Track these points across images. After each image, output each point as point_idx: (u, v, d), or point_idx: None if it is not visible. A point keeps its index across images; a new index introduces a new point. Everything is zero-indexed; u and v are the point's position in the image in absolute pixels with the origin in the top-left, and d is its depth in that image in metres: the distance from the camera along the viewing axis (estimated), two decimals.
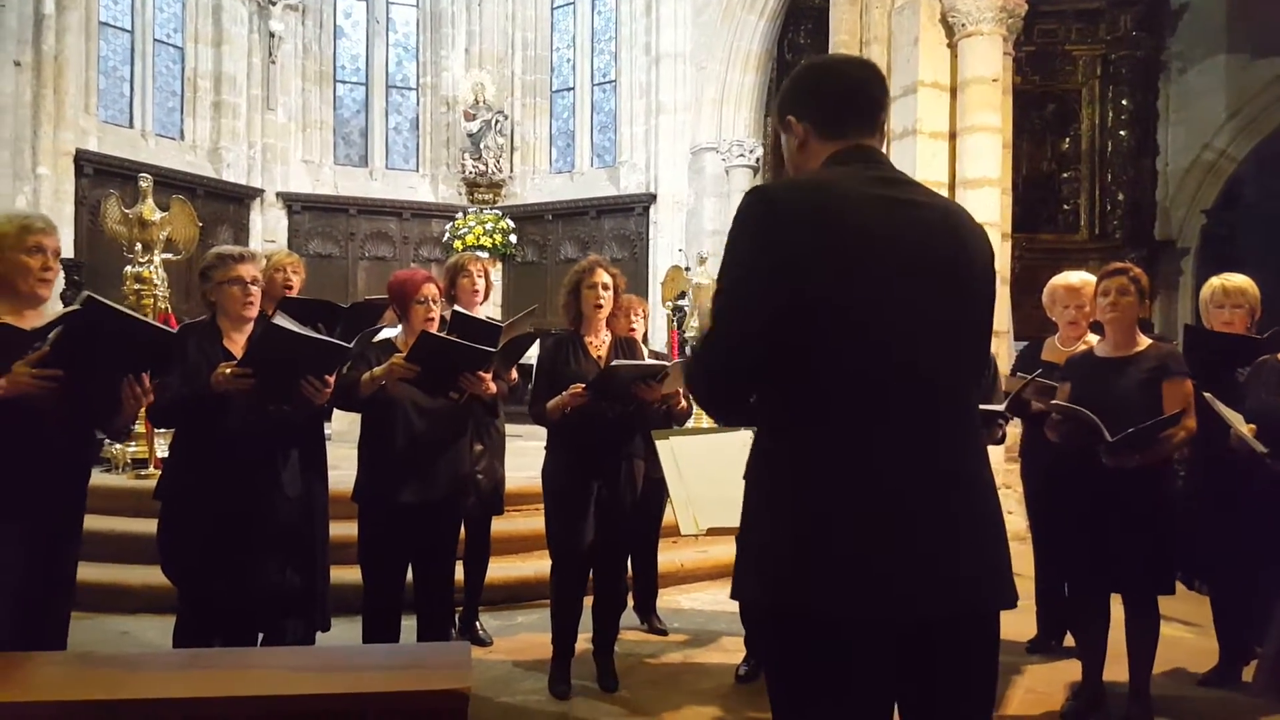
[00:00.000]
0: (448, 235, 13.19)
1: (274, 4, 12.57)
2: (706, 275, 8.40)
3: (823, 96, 1.77)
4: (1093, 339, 4.07)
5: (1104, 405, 3.15)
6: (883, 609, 1.49)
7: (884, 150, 1.79)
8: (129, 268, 6.28)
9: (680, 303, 9.36)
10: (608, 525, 3.77)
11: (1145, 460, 3.21)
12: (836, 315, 1.54)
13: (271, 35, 12.57)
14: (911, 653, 1.55)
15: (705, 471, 2.85)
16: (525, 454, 4.83)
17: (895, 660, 1.54)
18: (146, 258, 6.27)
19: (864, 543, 1.50)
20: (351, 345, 3.42)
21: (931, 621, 1.53)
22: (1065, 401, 3.40)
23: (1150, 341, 3.49)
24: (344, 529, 3.75)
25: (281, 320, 3.00)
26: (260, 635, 3.21)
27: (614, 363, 3.64)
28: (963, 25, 7.09)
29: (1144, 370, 3.34)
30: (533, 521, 4.88)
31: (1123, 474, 3.20)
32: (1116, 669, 3.50)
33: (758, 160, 11.39)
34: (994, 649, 1.64)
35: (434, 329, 3.60)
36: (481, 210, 13.28)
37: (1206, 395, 3.41)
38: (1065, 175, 10.71)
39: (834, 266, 1.54)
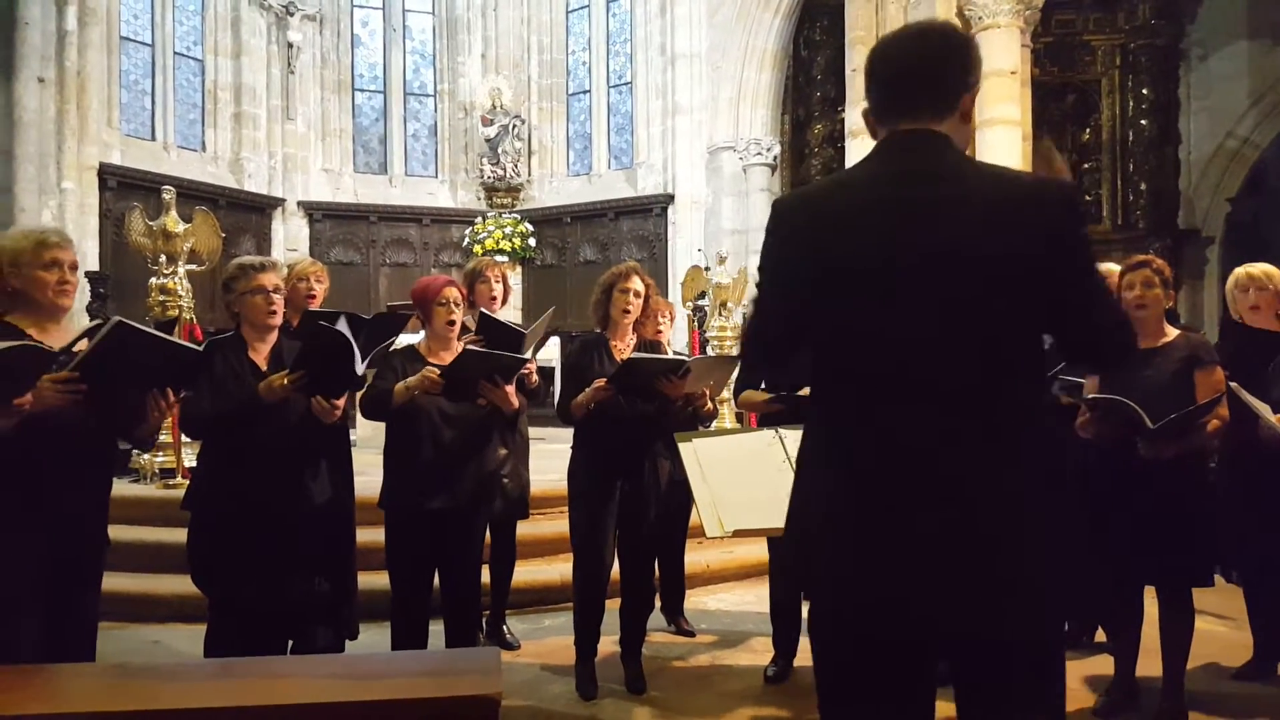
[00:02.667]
0: (467, 240, 13.25)
1: (292, 15, 12.67)
2: (726, 275, 8.40)
3: (874, 81, 1.69)
4: None
5: (1134, 397, 3.12)
6: (863, 617, 1.52)
7: (960, 126, 1.63)
8: (154, 279, 6.35)
9: (700, 302, 9.36)
10: (632, 526, 3.78)
11: (1181, 450, 3.18)
12: (823, 326, 1.60)
13: (290, 46, 12.67)
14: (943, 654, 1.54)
15: (729, 473, 2.84)
16: (549, 457, 4.84)
17: (919, 658, 1.54)
18: (171, 269, 6.34)
19: (839, 545, 1.53)
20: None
21: (949, 636, 1.52)
22: (1094, 394, 3.36)
23: (1179, 331, 3.46)
24: (370, 535, 3.77)
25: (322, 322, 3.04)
26: (290, 643, 3.24)
27: (634, 355, 3.66)
28: (979, 18, 7.05)
29: (1175, 360, 3.31)
30: (558, 525, 4.89)
31: (1158, 465, 3.16)
32: (1148, 664, 3.46)
33: (775, 158, 11.37)
34: (1025, 662, 1.53)
35: (455, 332, 3.64)
36: (500, 214, 13.34)
37: (1233, 385, 3.37)
38: (1086, 166, 10.62)
39: (817, 279, 1.59)
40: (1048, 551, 1.48)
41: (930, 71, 1.62)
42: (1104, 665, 3.71)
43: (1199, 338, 3.51)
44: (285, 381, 2.97)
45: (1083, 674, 3.87)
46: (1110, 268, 4.15)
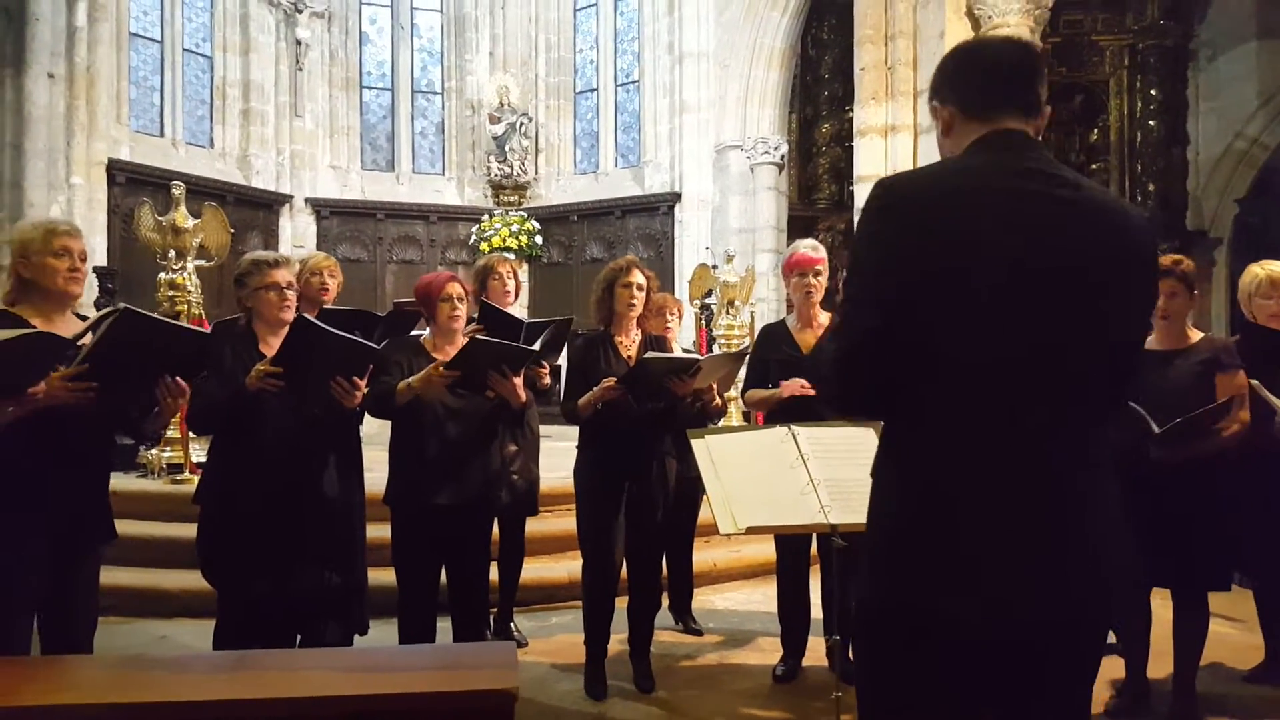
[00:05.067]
0: (474, 238, 13.25)
1: (300, 12, 12.67)
2: (734, 273, 8.39)
3: (968, 76, 1.67)
4: None
5: (1154, 399, 3.09)
6: (967, 612, 1.46)
7: (1035, 135, 1.65)
8: (163, 274, 6.36)
9: (708, 301, 9.35)
10: (639, 524, 3.77)
11: (1195, 453, 3.16)
12: (933, 315, 1.49)
13: (298, 43, 12.67)
14: (1001, 660, 1.52)
15: (743, 470, 2.83)
16: (558, 454, 4.83)
17: (986, 667, 1.51)
18: (180, 264, 6.35)
19: (950, 544, 1.48)
20: (380, 348, 3.43)
21: (1025, 629, 1.49)
22: None
23: (1202, 335, 3.43)
24: (377, 531, 3.77)
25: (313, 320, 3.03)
26: (298, 638, 3.24)
27: (646, 355, 3.64)
28: (989, 18, 7.03)
29: (1195, 363, 3.29)
30: (566, 522, 4.87)
31: (1173, 467, 3.14)
32: (1157, 665, 3.45)
33: (783, 157, 11.36)
34: (1085, 662, 1.59)
35: (459, 326, 3.63)
36: (507, 212, 13.33)
37: (1253, 383, 3.34)
38: (1094, 167, 10.57)
39: (933, 265, 1.49)
40: (1115, 539, 1.56)
41: (1033, 76, 1.66)
42: (1114, 666, 3.69)
43: (1222, 341, 3.49)
44: (261, 369, 2.96)
45: None
46: None
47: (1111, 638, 4.12)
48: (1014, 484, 1.48)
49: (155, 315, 2.69)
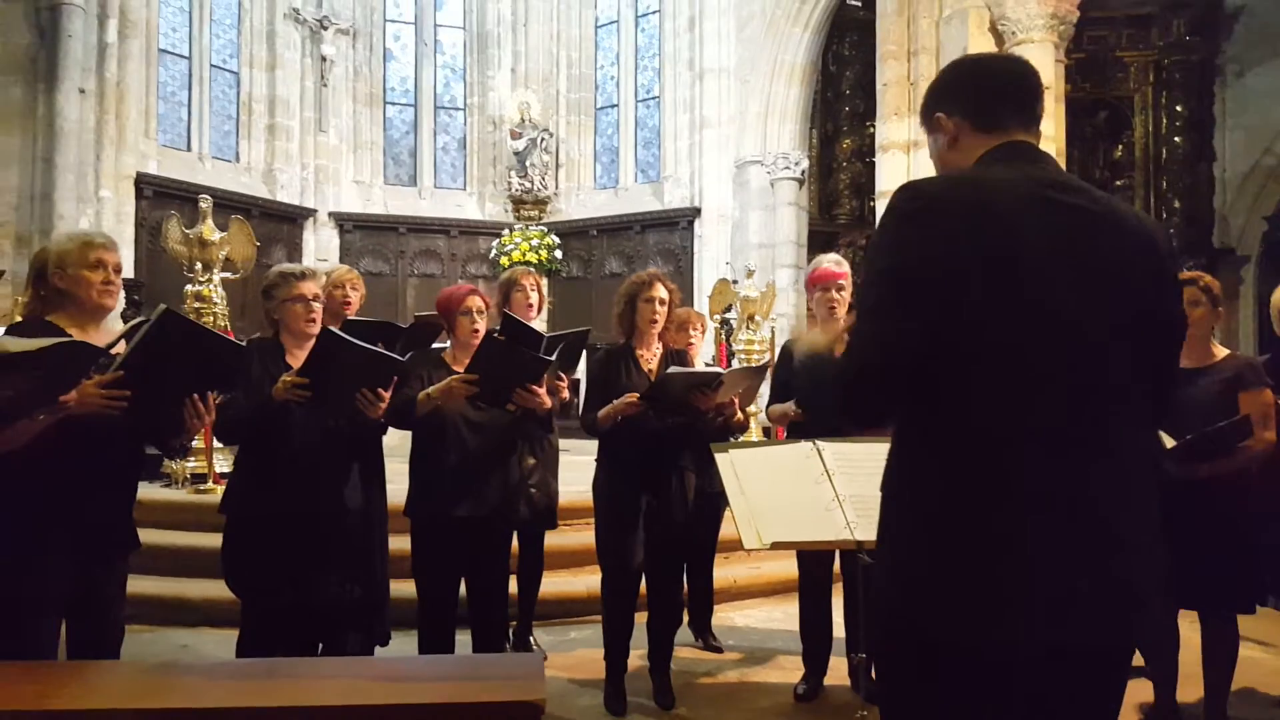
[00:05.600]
0: (494, 252, 13.32)
1: (326, 29, 12.83)
2: (754, 288, 8.38)
3: (978, 89, 1.66)
4: None
5: (1177, 416, 3.06)
6: (1014, 635, 1.42)
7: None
8: (189, 286, 6.42)
9: (728, 315, 9.34)
10: (659, 539, 3.76)
11: (1216, 471, 3.12)
12: (983, 323, 1.43)
13: (323, 59, 12.83)
14: (1032, 685, 1.48)
15: (767, 485, 2.82)
16: (576, 468, 4.83)
17: (1016, 692, 1.48)
18: (206, 277, 6.41)
19: (1002, 566, 1.42)
20: (405, 359, 3.45)
21: (1060, 651, 1.45)
22: None
23: (1227, 352, 3.40)
24: (398, 542, 3.78)
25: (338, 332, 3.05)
26: (320, 647, 3.24)
27: (669, 370, 3.63)
28: (1013, 34, 7.02)
29: (1219, 381, 3.25)
30: (585, 536, 4.87)
31: (1201, 486, 3.10)
32: (1187, 690, 3.40)
33: (803, 172, 11.36)
34: (1116, 684, 1.58)
35: (479, 340, 3.63)
36: (527, 227, 13.40)
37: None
38: (1119, 183, 10.51)
39: (985, 272, 1.43)
40: (1153, 561, 1.53)
41: (1038, 90, 1.68)
42: (1141, 690, 3.64)
43: (1248, 358, 3.45)
44: (287, 380, 2.98)
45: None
46: None
47: (1139, 660, 4.09)
48: (1056, 505, 1.43)
49: (197, 322, 2.71)
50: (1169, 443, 3.09)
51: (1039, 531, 1.43)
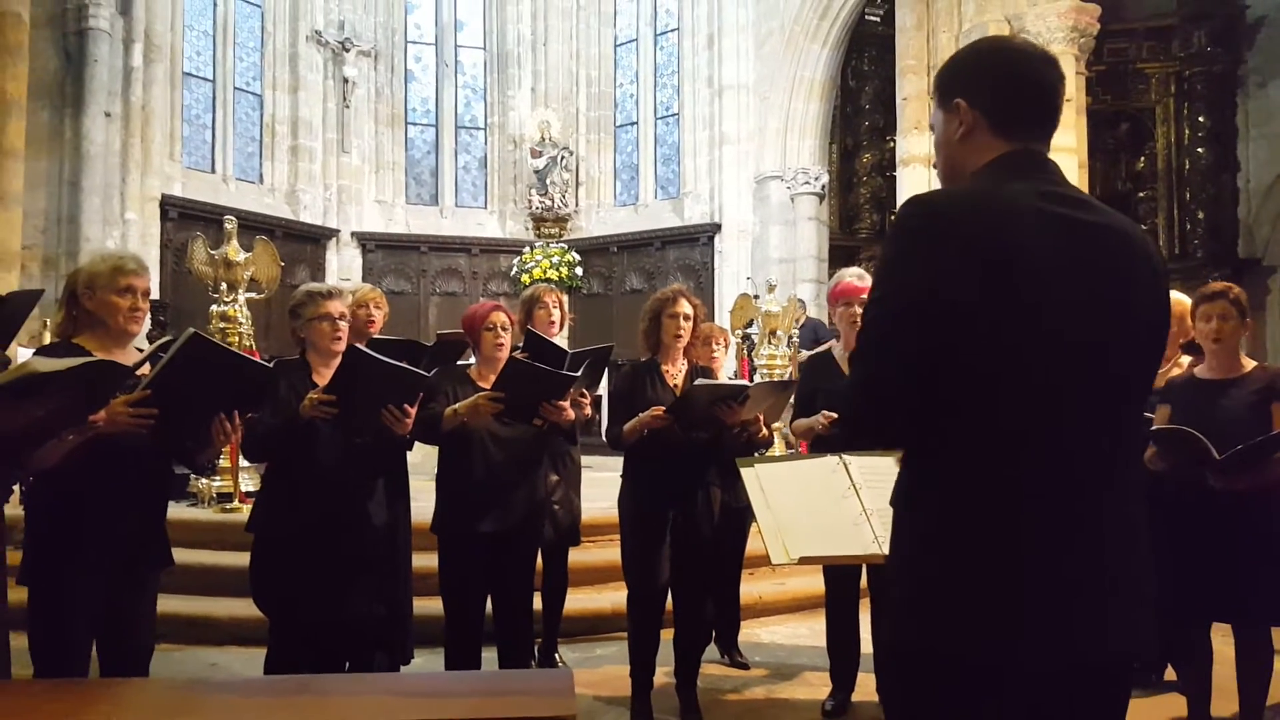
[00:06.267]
0: (515, 269, 13.38)
1: (348, 50, 12.97)
2: (776, 303, 8.37)
3: (1005, 89, 1.56)
4: (1184, 360, 3.95)
5: (1208, 429, 3.03)
6: (1041, 657, 1.41)
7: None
8: (215, 306, 6.49)
9: (749, 331, 9.32)
10: (684, 555, 3.74)
11: (1256, 483, 3.08)
12: (996, 346, 1.40)
13: (345, 81, 12.97)
14: (1045, 701, 1.46)
15: (793, 499, 2.80)
16: (599, 485, 4.83)
17: (1028, 709, 1.45)
18: (231, 297, 6.47)
19: (1021, 587, 1.40)
20: (430, 376, 3.47)
21: (1075, 669, 1.44)
22: (1160, 426, 3.28)
23: (1255, 363, 3.36)
24: (422, 560, 3.78)
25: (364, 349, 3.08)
26: (346, 665, 3.25)
27: (695, 383, 3.64)
28: None
29: (1250, 393, 3.22)
30: (609, 553, 4.86)
31: (1237, 499, 3.07)
32: (1220, 705, 3.34)
33: (823, 187, 11.37)
34: (1123, 695, 1.54)
35: (504, 355, 3.65)
36: (548, 244, 13.45)
37: None
38: (1141, 195, 10.47)
39: (997, 296, 1.39)
40: (1148, 574, 1.52)
41: (1058, 98, 1.59)
42: (1173, 704, 3.60)
43: (1277, 369, 3.41)
44: (314, 398, 3.00)
45: (1152, 714, 3.75)
46: (1179, 298, 4.08)
47: (1170, 674, 4.03)
48: (1068, 521, 1.42)
49: (224, 345, 2.73)
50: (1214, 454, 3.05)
51: (1049, 546, 1.41)
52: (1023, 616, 1.40)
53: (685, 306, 3.79)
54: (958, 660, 1.42)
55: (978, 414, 1.43)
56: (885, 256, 1.53)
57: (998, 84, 1.57)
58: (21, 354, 3.14)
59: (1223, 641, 3.39)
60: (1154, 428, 3.28)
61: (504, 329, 3.67)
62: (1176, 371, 3.85)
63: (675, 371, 3.85)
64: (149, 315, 7.32)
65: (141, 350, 2.86)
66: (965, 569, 1.43)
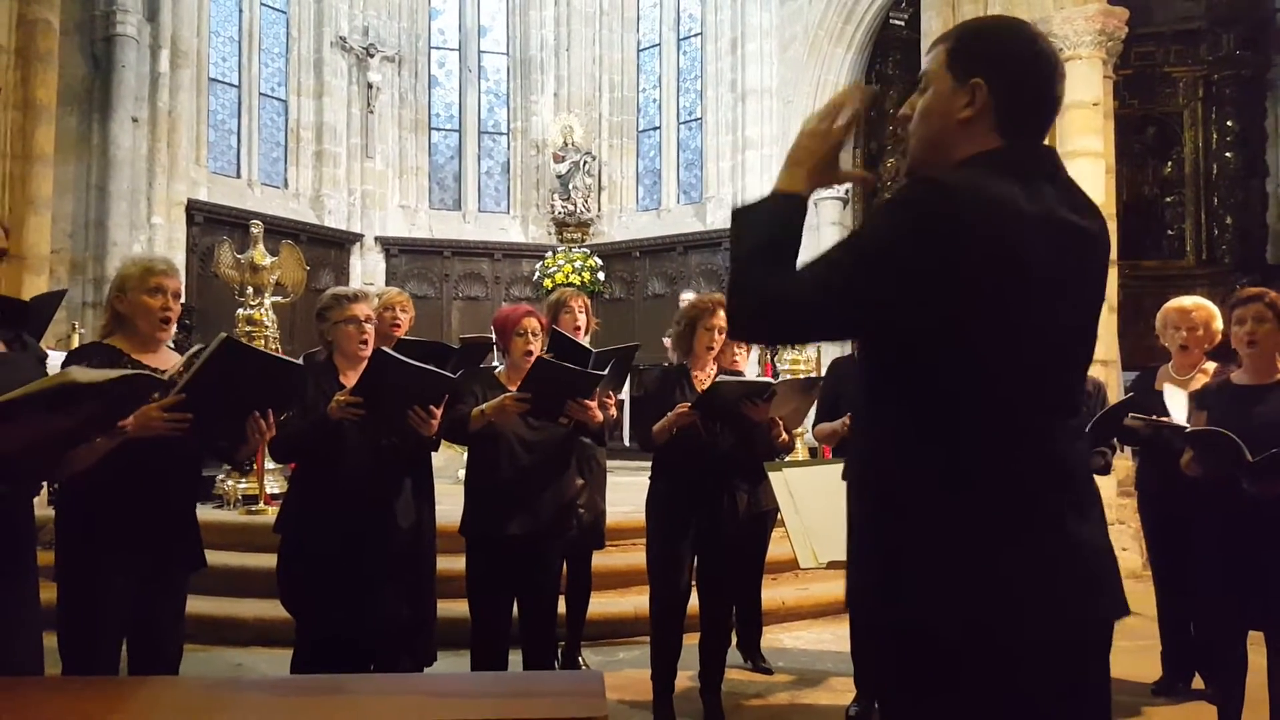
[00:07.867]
0: (538, 274, 13.42)
1: (372, 56, 13.06)
2: None
3: (1032, 90, 1.51)
4: (1209, 367, 3.91)
5: (1245, 435, 2.99)
6: (1058, 626, 1.43)
7: None
8: (241, 310, 6.55)
9: None
10: (708, 557, 3.74)
11: None
12: (996, 338, 1.42)
13: (370, 86, 13.04)
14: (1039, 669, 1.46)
15: (821, 503, 2.80)
16: (623, 489, 4.83)
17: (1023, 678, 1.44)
18: (257, 300, 6.52)
19: (1027, 559, 1.43)
20: (457, 377, 3.49)
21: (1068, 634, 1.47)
22: (1200, 428, 3.25)
23: None
24: (447, 563, 3.79)
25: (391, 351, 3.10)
26: (371, 667, 3.26)
27: (719, 379, 3.65)
28: (1060, 50, 6.93)
29: None
30: (632, 556, 4.86)
31: (1269, 504, 3.03)
32: (1251, 714, 3.29)
33: (846, 192, 11.32)
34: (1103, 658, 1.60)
35: (532, 361, 3.65)
36: (570, 249, 13.48)
37: None
38: (1169, 200, 10.37)
39: (1000, 296, 1.40)
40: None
41: (1060, 102, 1.59)
42: (1201, 713, 3.55)
43: None
44: (341, 400, 3.03)
45: None
46: (1200, 302, 4.05)
47: (1198, 682, 3.98)
48: (1046, 495, 1.46)
49: (256, 347, 2.75)
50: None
51: (1036, 527, 1.44)
52: (1056, 582, 1.42)
53: (722, 320, 3.79)
54: (969, 632, 1.41)
55: (978, 401, 1.45)
56: (882, 221, 1.50)
57: (1025, 84, 1.51)
58: (51, 357, 3.16)
59: (1255, 652, 3.34)
60: (1188, 430, 3.25)
61: (534, 335, 3.67)
62: (1202, 378, 3.81)
63: (705, 378, 3.85)
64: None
65: (172, 348, 2.90)
66: (969, 548, 1.43)
